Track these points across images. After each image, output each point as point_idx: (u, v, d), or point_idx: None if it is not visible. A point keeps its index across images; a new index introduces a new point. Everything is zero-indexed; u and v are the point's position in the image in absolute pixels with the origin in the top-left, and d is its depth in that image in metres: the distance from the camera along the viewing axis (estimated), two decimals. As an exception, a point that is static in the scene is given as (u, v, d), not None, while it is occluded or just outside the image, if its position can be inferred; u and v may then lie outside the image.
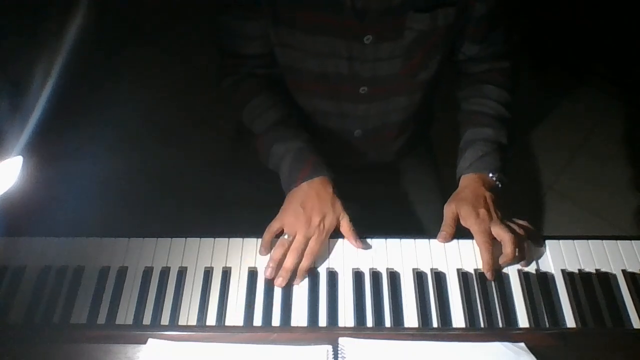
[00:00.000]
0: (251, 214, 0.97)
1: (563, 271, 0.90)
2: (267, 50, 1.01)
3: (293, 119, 1.04)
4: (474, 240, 0.93)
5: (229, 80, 1.06)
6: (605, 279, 0.89)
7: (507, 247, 0.88)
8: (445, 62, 1.04)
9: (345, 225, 0.92)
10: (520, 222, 0.95)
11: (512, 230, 0.90)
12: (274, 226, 0.92)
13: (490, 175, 0.98)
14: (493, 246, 0.89)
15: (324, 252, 0.92)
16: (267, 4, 0.93)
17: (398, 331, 0.81)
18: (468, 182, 0.98)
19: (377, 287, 0.88)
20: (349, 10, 0.90)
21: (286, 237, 0.90)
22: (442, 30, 0.95)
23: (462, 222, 0.93)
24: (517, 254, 0.89)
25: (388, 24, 0.92)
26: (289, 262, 0.87)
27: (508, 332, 0.80)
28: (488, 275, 0.88)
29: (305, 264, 0.88)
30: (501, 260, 0.89)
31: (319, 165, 0.96)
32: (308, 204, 0.91)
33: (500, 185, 0.98)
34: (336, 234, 0.94)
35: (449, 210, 0.95)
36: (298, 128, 1.02)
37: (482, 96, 1.05)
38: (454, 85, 1.12)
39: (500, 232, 0.90)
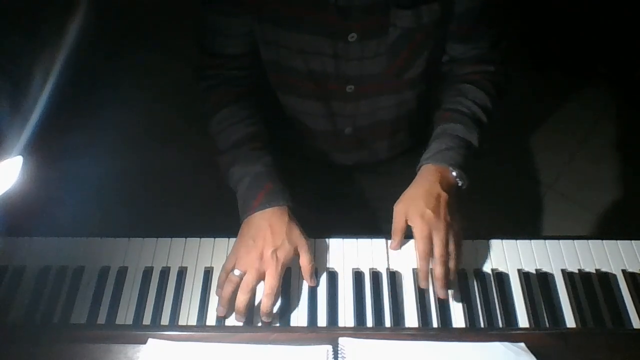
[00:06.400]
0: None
1: (563, 271, 0.90)
2: (249, 49, 1.00)
3: (260, 137, 0.99)
4: (473, 241, 0.93)
5: (205, 85, 1.04)
6: (605, 279, 0.89)
7: (436, 268, 0.84)
8: (435, 62, 1.02)
9: (303, 259, 0.87)
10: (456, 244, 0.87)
11: (448, 249, 0.85)
12: (229, 264, 0.86)
13: (451, 169, 0.92)
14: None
15: (324, 252, 0.92)
16: (253, 1, 0.92)
17: (398, 331, 0.81)
18: (425, 175, 0.93)
19: (377, 287, 0.88)
20: (332, 7, 0.89)
21: (237, 272, 0.84)
22: (428, 28, 0.93)
23: (408, 221, 0.88)
24: (443, 277, 0.84)
25: (371, 22, 0.91)
26: (239, 301, 0.82)
27: (508, 332, 0.80)
28: (422, 284, 0.86)
29: (267, 303, 0.82)
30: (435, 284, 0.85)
31: (275, 194, 0.90)
32: (259, 237, 0.86)
33: (460, 184, 0.93)
34: (336, 233, 0.94)
35: (398, 212, 0.90)
36: (262, 149, 0.97)
37: (459, 95, 1.01)
38: (437, 90, 1.09)
39: (436, 248, 0.84)
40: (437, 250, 0.85)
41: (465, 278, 0.89)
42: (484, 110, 1.00)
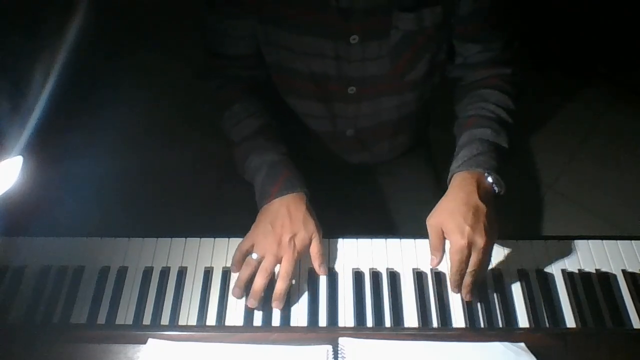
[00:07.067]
0: (251, 214, 0.97)
1: (563, 271, 0.90)
2: (252, 50, 1.00)
3: (273, 129, 1.01)
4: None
5: (212, 84, 1.04)
6: (605, 279, 0.89)
7: (466, 278, 0.84)
8: (438, 64, 1.02)
9: (314, 247, 0.88)
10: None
11: (482, 265, 0.83)
12: (245, 245, 0.88)
13: (486, 174, 0.88)
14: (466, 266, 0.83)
15: (323, 252, 0.92)
16: (253, 2, 0.92)
17: (398, 331, 0.81)
18: (459, 184, 0.88)
19: (377, 287, 0.88)
20: (334, 9, 0.89)
21: (254, 256, 0.86)
22: (429, 31, 0.93)
23: (445, 236, 0.85)
24: (472, 285, 0.84)
25: (373, 24, 0.91)
26: (257, 284, 0.84)
27: (508, 332, 0.80)
28: (455, 291, 0.85)
29: (281, 286, 0.84)
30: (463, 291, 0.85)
31: (293, 181, 0.93)
32: (278, 222, 0.88)
33: (496, 190, 0.89)
34: (336, 233, 0.94)
35: (434, 227, 0.85)
36: (276, 139, 0.99)
37: (480, 100, 1.00)
38: (453, 100, 1.08)
39: (472, 263, 0.83)
40: (472, 265, 0.83)
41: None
42: (508, 112, 0.98)
